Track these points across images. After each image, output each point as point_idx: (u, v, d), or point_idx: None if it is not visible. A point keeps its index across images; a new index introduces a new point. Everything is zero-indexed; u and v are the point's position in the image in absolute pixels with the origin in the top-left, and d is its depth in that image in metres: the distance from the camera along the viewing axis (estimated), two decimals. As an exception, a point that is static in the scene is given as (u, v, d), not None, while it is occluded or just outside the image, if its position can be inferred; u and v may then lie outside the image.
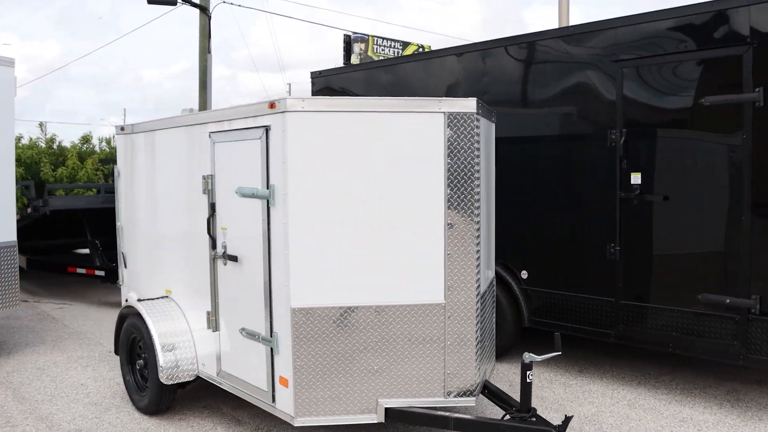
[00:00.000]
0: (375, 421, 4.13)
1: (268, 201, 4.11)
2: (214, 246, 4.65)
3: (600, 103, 5.61)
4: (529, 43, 6.07)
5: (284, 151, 3.97)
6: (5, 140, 6.47)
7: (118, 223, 5.97)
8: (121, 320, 5.47)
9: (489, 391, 4.52)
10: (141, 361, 5.18)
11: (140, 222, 5.64)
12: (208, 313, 4.76)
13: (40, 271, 9.50)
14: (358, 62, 44.86)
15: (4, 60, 6.38)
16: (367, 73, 7.52)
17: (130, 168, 5.74)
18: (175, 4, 14.67)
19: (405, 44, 46.35)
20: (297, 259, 3.99)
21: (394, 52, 44.88)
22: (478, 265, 4.19)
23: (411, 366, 4.12)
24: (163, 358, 4.83)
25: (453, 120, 4.06)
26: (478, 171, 4.13)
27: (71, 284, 10.50)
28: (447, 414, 4.05)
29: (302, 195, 3.98)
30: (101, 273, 8.61)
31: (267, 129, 4.10)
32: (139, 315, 5.13)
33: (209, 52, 14.64)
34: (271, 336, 4.17)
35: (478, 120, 4.12)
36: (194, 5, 14.70)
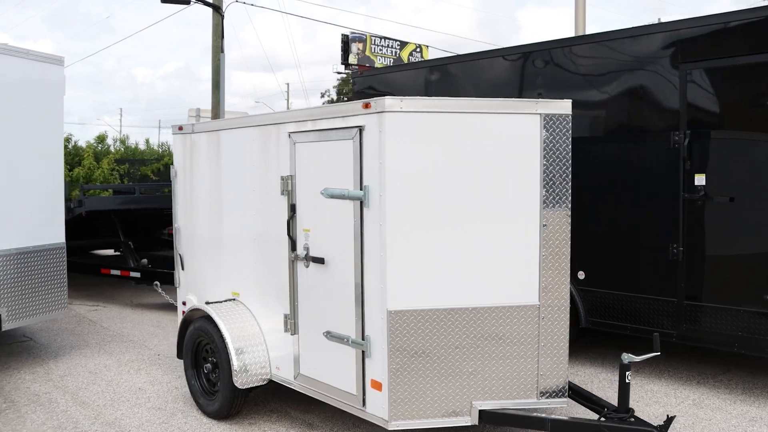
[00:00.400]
0: (468, 424, 4.11)
1: (361, 202, 4.07)
2: (294, 248, 4.59)
3: (663, 104, 5.63)
4: (590, 44, 6.06)
5: (381, 151, 3.92)
6: (55, 140, 6.34)
7: (175, 225, 5.88)
8: (185, 324, 5.39)
9: (573, 391, 4.52)
10: (208, 365, 5.10)
11: (202, 223, 5.55)
12: (285, 316, 4.70)
13: (71, 272, 9.34)
14: (356, 62, 44.50)
15: (52, 58, 6.25)
16: (413, 73, 7.49)
17: (189, 168, 5.66)
18: (188, 3, 14.54)
19: (403, 44, 46.37)
20: (394, 261, 3.95)
21: (392, 52, 44.87)
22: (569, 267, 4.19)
23: (504, 367, 4.10)
24: (237, 362, 4.76)
25: (549, 121, 4.05)
26: (570, 172, 4.13)
27: (99, 285, 10.34)
28: (544, 415, 4.04)
29: (399, 196, 3.94)
30: (137, 275, 8.48)
31: (360, 129, 4.05)
32: (207, 318, 5.06)
33: (222, 51, 14.51)
34: (363, 339, 4.13)
35: (570, 122, 4.12)
36: (207, 4, 14.58)
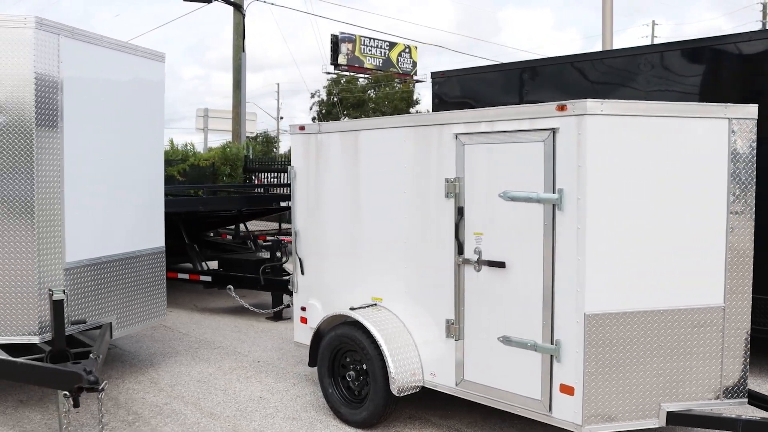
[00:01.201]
0: (656, 426, 4.12)
1: (553, 205, 4.03)
2: (461, 251, 4.52)
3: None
4: (710, 48, 6.10)
5: (581, 154, 3.89)
6: (156, 141, 6.09)
7: (294, 227, 5.72)
8: (319, 331, 5.24)
9: (748, 393, 4.57)
10: (351, 373, 4.98)
11: (332, 226, 5.41)
12: (447, 321, 4.62)
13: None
14: (345, 62, 44.65)
15: (155, 54, 5.99)
16: (501, 74, 7.47)
17: (314, 170, 5.51)
18: (210, 1, 14.29)
19: (392, 44, 46.61)
20: (592, 264, 3.93)
21: (381, 53, 45.01)
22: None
23: (689, 368, 4.12)
24: (395, 369, 4.66)
25: (736, 126, 4.10)
26: (754, 177, 4.18)
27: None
28: (735, 416, 4.08)
29: (599, 199, 3.92)
30: (207, 278, 8.20)
31: (554, 131, 4.02)
32: (352, 324, 4.94)
33: (243, 50, 14.21)
34: (552, 343, 4.10)
35: (755, 126, 4.17)
36: (229, 3, 14.33)
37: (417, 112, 42.52)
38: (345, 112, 35.65)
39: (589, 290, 3.96)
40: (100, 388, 4.27)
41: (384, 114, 36.19)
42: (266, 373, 6.15)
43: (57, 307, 4.63)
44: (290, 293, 7.94)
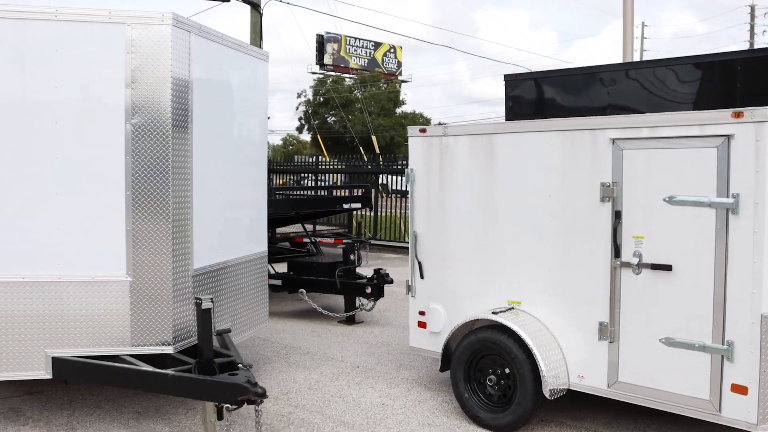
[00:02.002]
0: (820, 423, 4.25)
1: (727, 210, 4.11)
2: (618, 255, 4.56)
3: None
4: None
5: (760, 160, 3.98)
6: (262, 142, 5.93)
7: (412, 230, 5.66)
8: (455, 337, 5.20)
9: None
10: (492, 377, 4.96)
11: (458, 230, 5.38)
12: (600, 323, 4.65)
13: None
14: (331, 62, 44.47)
15: (261, 53, 5.83)
16: (583, 78, 7.53)
17: (437, 172, 5.47)
18: (228, 0, 14.06)
19: (377, 44, 46.58)
20: (770, 267, 4.03)
21: (366, 53, 44.86)
22: None
23: None
24: (547, 372, 4.67)
25: None
26: None
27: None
28: None
29: (776, 204, 4.03)
30: (277, 282, 8.02)
31: (728, 138, 4.09)
32: (495, 328, 4.92)
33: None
34: (723, 344, 4.18)
35: None
36: (246, 2, 14.08)
37: (403, 112, 42.75)
38: (332, 112, 35.43)
39: (767, 292, 4.06)
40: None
41: (371, 114, 36.13)
42: (373, 378, 6.08)
43: (205, 316, 4.47)
44: (367, 296, 7.91)
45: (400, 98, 38.91)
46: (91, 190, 4.63)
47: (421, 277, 5.66)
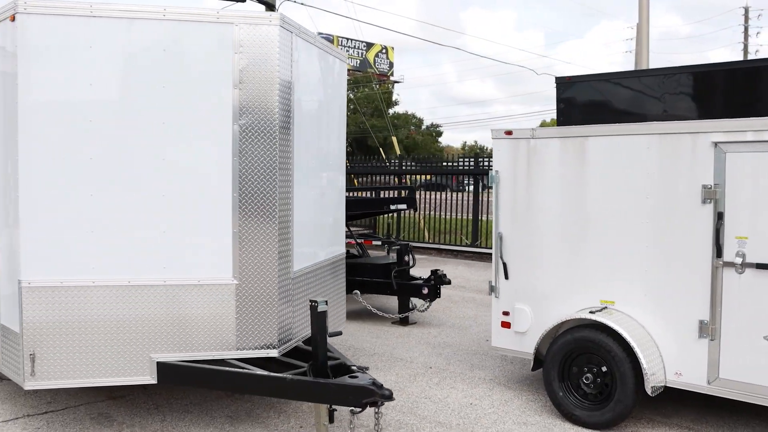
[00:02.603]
0: None
1: (837, 210, 4.25)
2: (719, 255, 4.66)
3: None
4: None
5: None
6: (342, 143, 5.90)
7: (497, 231, 5.70)
8: (547, 336, 5.26)
9: None
10: (589, 375, 5.03)
11: (546, 231, 5.44)
12: (700, 321, 4.75)
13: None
14: None
15: (338, 53, 5.80)
16: (637, 81, 7.65)
17: (524, 174, 5.52)
18: (244, 0, 13.94)
19: (369, 45, 46.43)
20: None
21: (358, 53, 44.72)
22: None
23: None
24: (649, 370, 4.75)
25: None
26: None
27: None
28: None
29: None
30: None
31: (840, 141, 4.23)
32: (592, 327, 4.99)
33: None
34: (831, 341, 4.31)
35: None
36: (261, 2, 13.99)
37: (396, 113, 42.68)
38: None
39: None
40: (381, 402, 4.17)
41: (365, 114, 36.04)
42: (451, 378, 6.10)
43: (320, 318, 4.44)
44: (423, 297, 7.93)
45: (393, 99, 38.92)
46: (198, 192, 4.57)
47: (506, 277, 5.71)
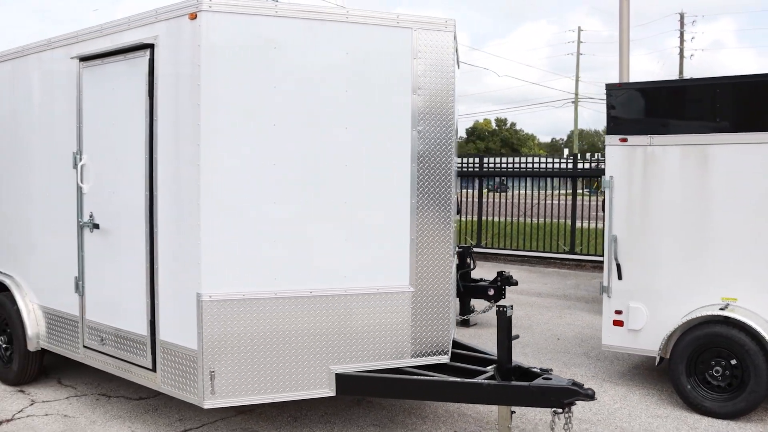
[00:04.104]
0: None
1: None
2: (843, 253, 5.12)
3: None
4: None
5: None
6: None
7: (611, 233, 5.92)
8: (674, 333, 5.53)
9: None
10: (718, 368, 5.34)
11: (665, 233, 5.72)
12: (823, 315, 5.19)
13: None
14: None
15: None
16: (686, 89, 8.08)
17: (641, 178, 5.79)
18: None
19: None
20: None
21: None
22: None
23: None
24: (786, 362, 5.13)
25: None
26: None
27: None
28: None
29: None
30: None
31: None
32: (722, 323, 5.32)
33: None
34: None
35: None
36: None
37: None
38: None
39: None
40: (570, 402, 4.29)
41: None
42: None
43: (509, 323, 4.47)
44: (488, 298, 8.05)
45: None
46: (378, 198, 4.49)
47: (619, 277, 5.95)
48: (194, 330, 4.21)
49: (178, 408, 5.29)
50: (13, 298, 5.67)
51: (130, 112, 4.61)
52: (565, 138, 57.78)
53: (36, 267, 5.63)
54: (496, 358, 4.90)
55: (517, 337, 5.00)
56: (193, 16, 4.13)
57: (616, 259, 5.96)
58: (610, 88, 8.49)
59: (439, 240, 4.64)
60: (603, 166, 15.24)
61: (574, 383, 4.27)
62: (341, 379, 4.46)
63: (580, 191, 15.20)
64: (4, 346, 5.88)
